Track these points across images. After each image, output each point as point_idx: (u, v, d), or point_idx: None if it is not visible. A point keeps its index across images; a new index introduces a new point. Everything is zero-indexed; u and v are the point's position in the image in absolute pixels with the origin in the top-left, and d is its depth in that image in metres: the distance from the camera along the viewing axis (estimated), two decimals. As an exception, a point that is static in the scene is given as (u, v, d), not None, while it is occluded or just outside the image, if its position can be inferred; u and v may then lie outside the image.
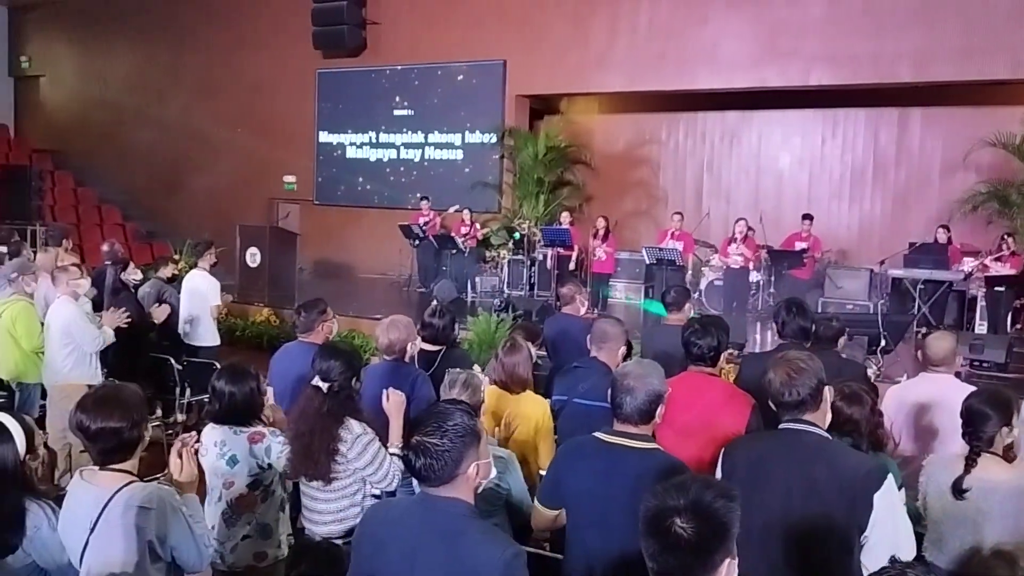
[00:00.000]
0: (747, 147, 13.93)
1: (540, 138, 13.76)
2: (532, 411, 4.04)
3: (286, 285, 11.48)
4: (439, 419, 2.20)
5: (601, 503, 2.71)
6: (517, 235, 12.65)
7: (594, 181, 14.32)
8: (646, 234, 13.22)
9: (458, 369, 3.82)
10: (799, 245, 11.12)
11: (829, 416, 2.68)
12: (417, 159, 15.28)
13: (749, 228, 11.31)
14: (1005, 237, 10.32)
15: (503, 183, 14.26)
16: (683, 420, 3.33)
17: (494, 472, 2.34)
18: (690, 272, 11.74)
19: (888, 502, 2.46)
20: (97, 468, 2.67)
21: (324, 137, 16.18)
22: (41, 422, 5.83)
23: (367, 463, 3.37)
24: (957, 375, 4.26)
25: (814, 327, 4.38)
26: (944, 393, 3.81)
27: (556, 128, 14.10)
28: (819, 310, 10.46)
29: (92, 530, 2.58)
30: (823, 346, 4.28)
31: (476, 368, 4.23)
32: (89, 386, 4.47)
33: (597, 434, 2.85)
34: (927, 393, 3.94)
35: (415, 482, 2.85)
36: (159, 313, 7.03)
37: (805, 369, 2.58)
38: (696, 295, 11.70)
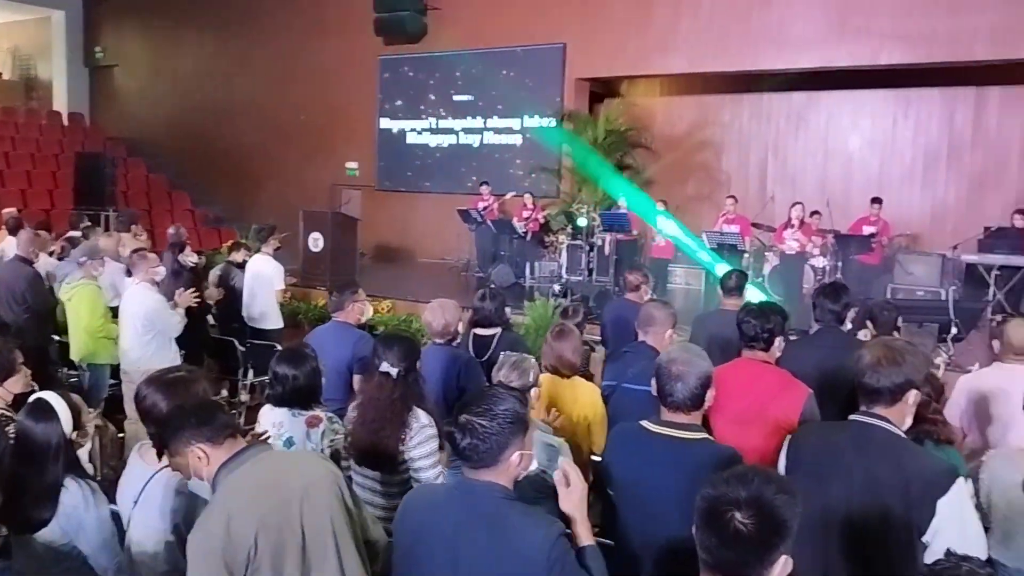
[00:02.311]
0: (814, 129, 13.56)
1: (600, 122, 13.64)
2: (584, 397, 4.01)
3: (347, 270, 11.61)
4: (490, 402, 2.20)
5: (648, 493, 2.66)
6: (583, 221, 12.54)
7: (655, 165, 14.12)
8: (708, 219, 12.98)
9: (511, 352, 3.81)
10: (867, 229, 10.81)
11: (909, 420, 2.56)
12: (477, 144, 15.30)
13: (814, 213, 11.02)
14: (1088, 222, 9.85)
15: (562, 167, 14.17)
16: (737, 408, 3.27)
17: (535, 465, 2.33)
18: (751, 257, 11.51)
19: (955, 508, 2.34)
20: (150, 445, 2.74)
21: (385, 123, 16.31)
22: (116, 402, 6.07)
23: (423, 455, 3.32)
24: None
25: (871, 313, 4.24)
26: (1018, 384, 3.64)
27: (616, 111, 13.95)
28: (888, 296, 10.15)
29: (135, 505, 2.65)
30: (882, 332, 4.15)
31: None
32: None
33: (644, 423, 2.78)
34: (1000, 383, 3.77)
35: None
36: (213, 294, 7.21)
37: (898, 363, 2.47)
38: (760, 280, 11.49)
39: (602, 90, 14.76)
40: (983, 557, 2.42)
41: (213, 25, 18.46)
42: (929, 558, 2.30)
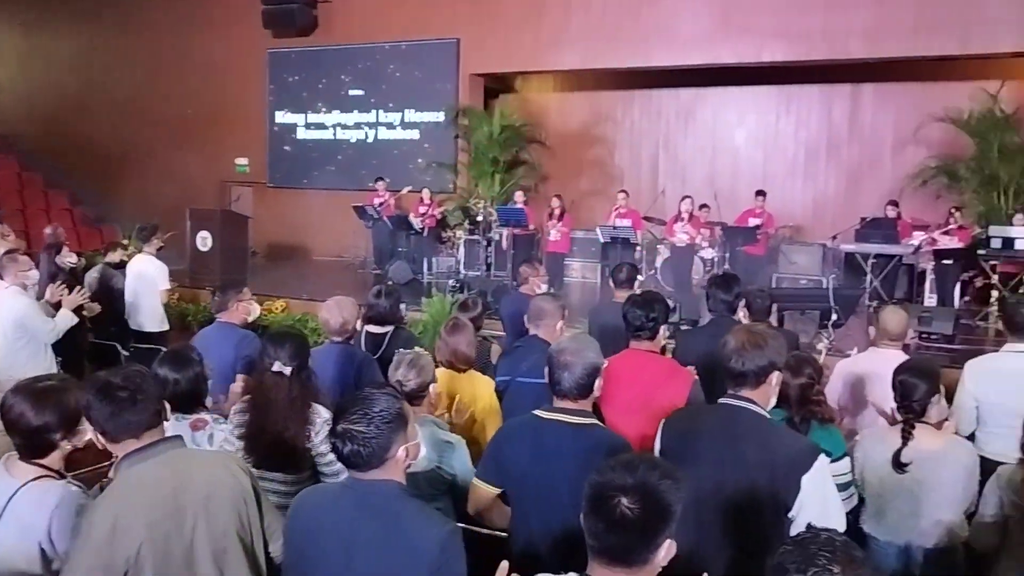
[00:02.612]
0: (702, 125, 13.95)
1: (494, 117, 13.68)
2: (479, 391, 4.02)
3: (238, 269, 11.30)
4: (364, 405, 2.18)
5: (542, 481, 2.70)
6: (480, 216, 12.57)
7: (550, 160, 14.25)
8: (602, 213, 13.18)
9: (406, 350, 3.77)
10: (753, 221, 11.18)
11: (774, 400, 2.67)
12: (371, 139, 15.11)
13: (703, 206, 11.35)
14: (953, 211, 10.46)
15: (458, 163, 14.16)
16: (625, 397, 3.35)
17: (423, 452, 2.37)
18: (644, 250, 11.78)
19: (817, 484, 2.46)
20: (17, 457, 2.58)
21: (276, 118, 15.92)
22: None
23: (329, 450, 3.27)
24: (906, 348, 4.29)
25: (746, 300, 4.41)
26: (890, 368, 3.82)
27: (511, 107, 14.03)
28: (773, 285, 10.57)
29: None
30: (756, 318, 4.30)
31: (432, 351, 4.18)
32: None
33: (536, 412, 2.83)
34: (874, 367, 3.94)
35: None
36: (94, 308, 6.87)
37: (761, 347, 2.56)
38: (652, 272, 11.78)
39: (497, 85, 14.80)
40: (841, 530, 2.56)
41: (88, 15, 17.57)
42: (794, 532, 2.38)
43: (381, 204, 12.75)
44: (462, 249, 12.79)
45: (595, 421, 2.79)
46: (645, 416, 3.24)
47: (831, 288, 8.00)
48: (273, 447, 3.23)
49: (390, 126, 14.90)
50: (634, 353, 3.55)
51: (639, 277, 9.49)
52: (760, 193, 11.45)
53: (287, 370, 3.27)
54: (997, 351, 4.13)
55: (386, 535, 2.12)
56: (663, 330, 3.62)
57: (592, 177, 14.36)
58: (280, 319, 9.47)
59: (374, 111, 14.98)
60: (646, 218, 11.76)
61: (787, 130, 13.40)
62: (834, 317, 7.47)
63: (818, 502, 2.45)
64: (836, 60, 11.73)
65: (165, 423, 3.32)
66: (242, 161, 16.28)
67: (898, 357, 3.72)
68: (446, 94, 14.10)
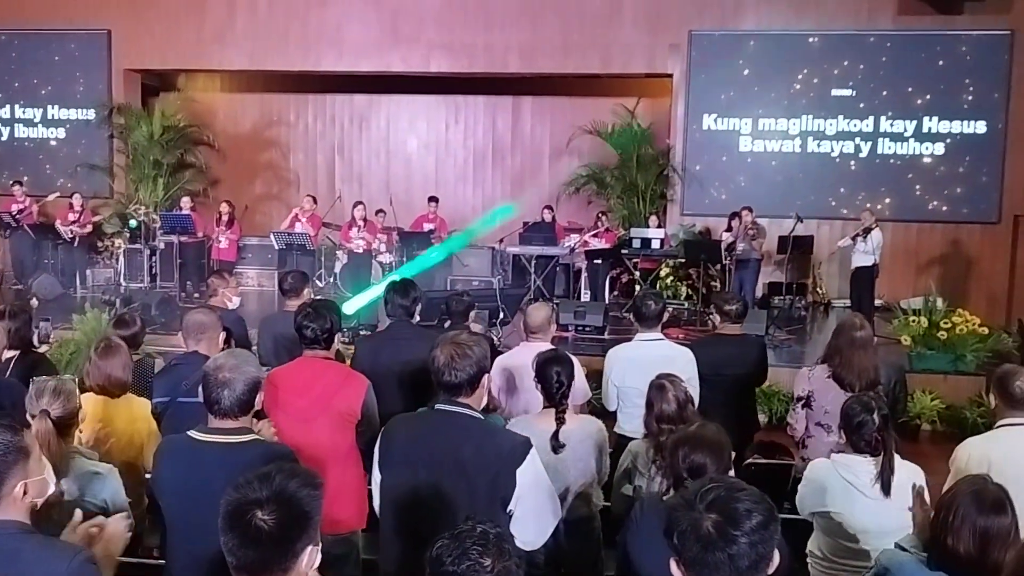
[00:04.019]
0: (376, 131, 14.15)
1: (155, 116, 12.78)
2: (136, 414, 3.75)
3: None
4: None
5: (200, 504, 2.53)
6: (133, 223, 11.64)
7: (220, 164, 13.63)
8: (278, 218, 12.87)
9: (45, 376, 3.39)
10: (427, 226, 11.57)
11: (485, 399, 2.79)
12: (5, 137, 13.41)
13: (379, 211, 11.52)
14: (601, 215, 11.63)
15: (115, 165, 13.04)
16: (300, 406, 3.33)
17: (51, 489, 2.16)
18: (323, 256, 11.70)
19: (531, 476, 2.61)
20: None
21: None
22: None
23: None
24: (564, 340, 4.69)
25: (445, 304, 4.57)
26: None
27: (173, 106, 13.17)
28: (448, 287, 11.01)
29: None
30: (455, 320, 4.46)
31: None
32: None
33: (191, 433, 2.69)
34: (525, 359, 4.25)
35: None
36: None
37: (468, 355, 2.64)
38: (332, 279, 11.73)
39: (157, 83, 13.86)
40: (557, 515, 2.79)
41: None
42: (515, 525, 2.55)
43: (21, 211, 11.43)
44: (122, 259, 11.82)
45: (255, 436, 2.73)
46: (324, 422, 3.30)
47: (498, 288, 8.53)
48: None
49: (29, 123, 13.31)
50: (308, 361, 3.52)
51: (318, 283, 9.44)
52: (433, 199, 11.88)
53: None
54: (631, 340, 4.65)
55: None
56: (338, 337, 3.65)
57: (267, 181, 13.98)
58: None
59: (7, 106, 13.32)
60: (325, 223, 11.69)
61: (456, 138, 14.02)
62: (502, 315, 7.99)
63: (533, 492, 2.61)
64: (497, 73, 12.52)
65: None
66: None
67: (545, 349, 4.06)
68: (97, 90, 12.94)
